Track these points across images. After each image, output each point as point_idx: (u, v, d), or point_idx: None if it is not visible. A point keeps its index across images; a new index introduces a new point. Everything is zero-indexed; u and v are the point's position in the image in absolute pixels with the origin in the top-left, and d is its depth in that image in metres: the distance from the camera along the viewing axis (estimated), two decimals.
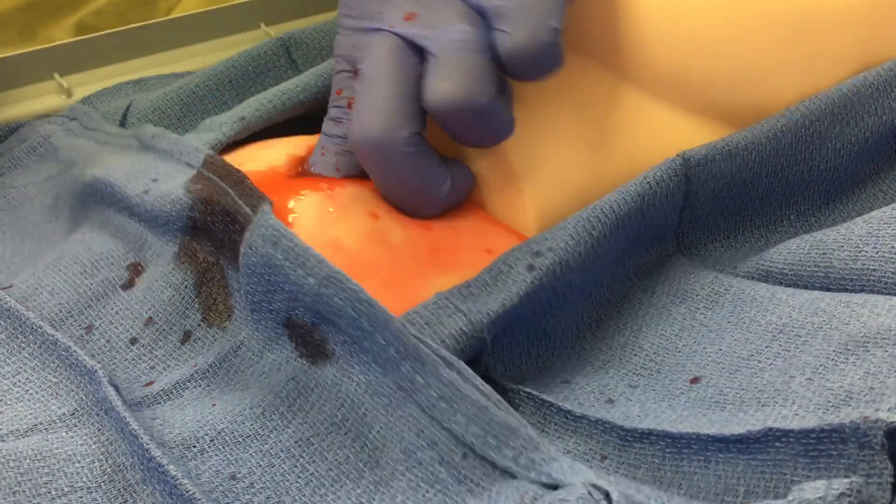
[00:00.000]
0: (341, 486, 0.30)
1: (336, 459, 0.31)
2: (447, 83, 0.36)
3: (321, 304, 0.32)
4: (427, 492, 0.29)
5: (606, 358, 0.35)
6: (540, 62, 0.36)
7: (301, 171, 0.41)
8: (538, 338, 0.36)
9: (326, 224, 0.37)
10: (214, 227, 0.36)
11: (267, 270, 0.33)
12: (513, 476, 0.28)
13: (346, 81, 0.40)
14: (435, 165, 0.38)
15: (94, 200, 0.41)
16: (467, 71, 0.36)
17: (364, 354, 0.31)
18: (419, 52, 0.37)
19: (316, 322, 0.33)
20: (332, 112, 0.41)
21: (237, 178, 0.37)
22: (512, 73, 0.37)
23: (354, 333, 0.31)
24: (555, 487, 0.27)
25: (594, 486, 0.26)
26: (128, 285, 0.38)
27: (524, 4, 0.35)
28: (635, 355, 0.35)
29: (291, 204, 0.38)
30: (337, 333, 0.32)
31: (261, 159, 0.42)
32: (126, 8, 0.67)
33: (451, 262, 0.38)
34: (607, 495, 0.25)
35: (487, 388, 0.30)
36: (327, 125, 0.41)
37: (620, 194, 0.36)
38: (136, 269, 0.39)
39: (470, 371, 0.30)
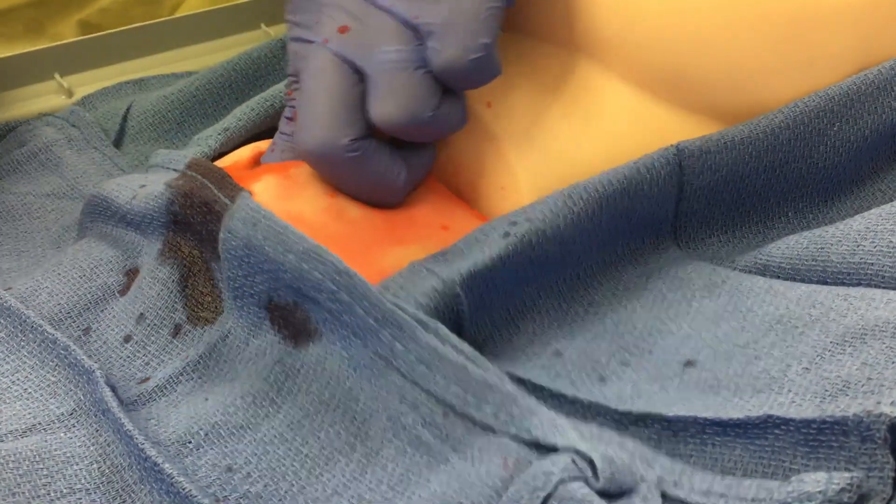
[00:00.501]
0: (335, 464, 0.31)
1: (328, 438, 0.31)
2: (386, 105, 0.36)
3: (301, 280, 0.32)
4: (413, 455, 0.29)
5: (599, 331, 0.35)
6: (473, 75, 0.37)
7: (257, 163, 0.43)
8: (520, 309, 0.36)
9: (285, 200, 0.38)
10: (194, 219, 0.37)
11: (247, 252, 0.33)
12: (493, 431, 0.28)
13: (295, 85, 0.41)
14: (386, 161, 0.38)
15: (90, 219, 0.42)
16: (405, 91, 0.36)
17: (344, 329, 0.32)
18: (355, 66, 0.37)
19: (297, 301, 0.33)
20: (286, 110, 0.42)
21: (219, 176, 0.38)
22: (448, 85, 0.37)
23: (334, 307, 0.31)
24: (536, 444, 0.27)
25: (577, 452, 0.26)
26: (125, 290, 0.38)
27: (451, 22, 0.36)
28: (628, 332, 0.35)
29: (252, 186, 0.39)
30: (318, 311, 0.32)
31: (228, 158, 0.43)
32: (131, 6, 0.67)
33: (408, 235, 0.38)
34: (591, 462, 0.26)
35: (466, 347, 0.30)
36: (281, 122, 0.42)
37: (606, 175, 0.37)
38: (132, 275, 0.39)
39: (447, 330, 0.30)
